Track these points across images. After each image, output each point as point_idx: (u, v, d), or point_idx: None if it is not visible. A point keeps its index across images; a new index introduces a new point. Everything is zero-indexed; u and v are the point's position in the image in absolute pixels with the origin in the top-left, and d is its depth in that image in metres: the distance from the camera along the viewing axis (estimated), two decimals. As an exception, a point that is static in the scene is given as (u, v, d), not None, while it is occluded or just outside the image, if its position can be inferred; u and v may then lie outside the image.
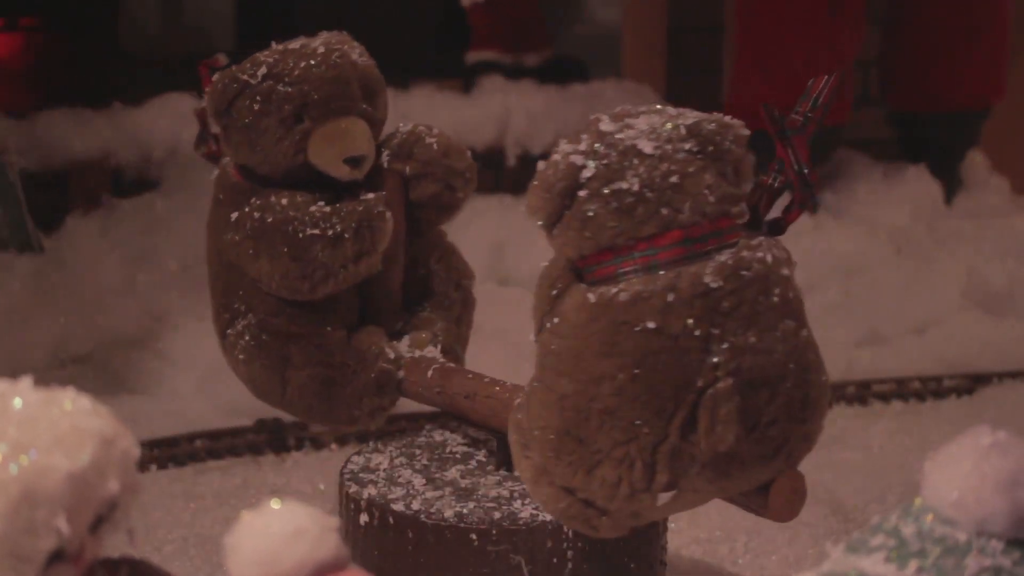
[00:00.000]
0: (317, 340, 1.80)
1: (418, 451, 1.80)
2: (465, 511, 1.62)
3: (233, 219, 1.79)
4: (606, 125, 1.43)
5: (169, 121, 3.36)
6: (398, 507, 1.63)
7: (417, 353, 1.82)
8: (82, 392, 1.01)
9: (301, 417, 1.87)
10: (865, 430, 2.61)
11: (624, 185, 1.39)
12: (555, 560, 1.58)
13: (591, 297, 1.40)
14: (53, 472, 0.93)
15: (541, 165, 1.45)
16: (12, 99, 3.82)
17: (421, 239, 1.89)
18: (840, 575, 1.01)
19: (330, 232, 1.75)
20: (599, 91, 3.77)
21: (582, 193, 1.40)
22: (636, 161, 1.40)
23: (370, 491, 1.67)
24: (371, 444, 1.84)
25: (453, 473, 1.72)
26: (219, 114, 1.79)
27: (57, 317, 2.83)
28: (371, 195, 1.79)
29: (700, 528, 2.11)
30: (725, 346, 1.37)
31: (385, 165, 1.83)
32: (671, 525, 1.92)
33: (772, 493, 1.45)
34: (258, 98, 1.77)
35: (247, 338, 1.81)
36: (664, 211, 1.39)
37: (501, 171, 3.59)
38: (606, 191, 1.40)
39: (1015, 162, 3.92)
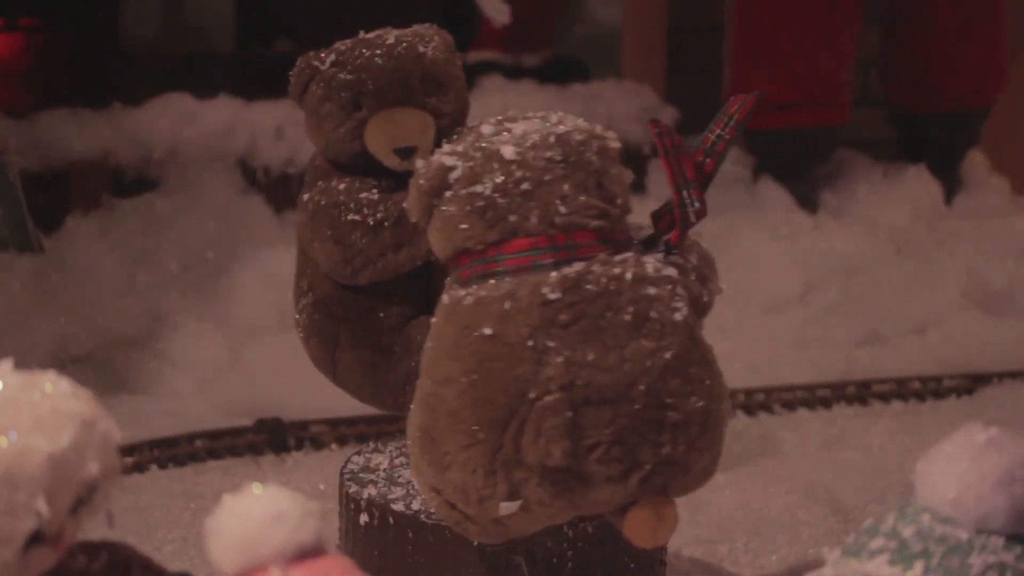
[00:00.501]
0: (365, 324, 1.80)
1: (418, 451, 1.80)
2: (465, 511, 1.61)
3: (304, 200, 1.81)
4: (486, 128, 1.44)
5: (169, 121, 3.36)
6: (398, 507, 1.63)
7: None
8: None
9: (354, 396, 1.87)
10: (865, 430, 2.60)
11: (479, 188, 1.39)
12: (555, 560, 1.58)
13: (445, 299, 1.42)
14: (33, 453, 0.94)
15: (419, 163, 1.45)
16: (12, 99, 3.81)
17: None
18: (843, 578, 1.01)
19: (371, 220, 1.75)
20: (599, 91, 3.77)
21: (448, 194, 1.41)
22: (496, 166, 1.40)
23: (370, 491, 1.67)
24: (371, 444, 1.84)
25: (453, 473, 1.72)
26: (298, 98, 1.81)
27: (57, 317, 2.83)
28: None
29: (700, 528, 2.11)
30: (560, 359, 1.35)
31: None
32: (671, 525, 1.92)
33: (627, 516, 1.41)
34: (322, 84, 1.78)
35: (304, 316, 1.83)
36: (512, 218, 1.39)
37: (501, 171, 3.58)
38: (463, 193, 1.40)
39: (1015, 162, 3.92)
